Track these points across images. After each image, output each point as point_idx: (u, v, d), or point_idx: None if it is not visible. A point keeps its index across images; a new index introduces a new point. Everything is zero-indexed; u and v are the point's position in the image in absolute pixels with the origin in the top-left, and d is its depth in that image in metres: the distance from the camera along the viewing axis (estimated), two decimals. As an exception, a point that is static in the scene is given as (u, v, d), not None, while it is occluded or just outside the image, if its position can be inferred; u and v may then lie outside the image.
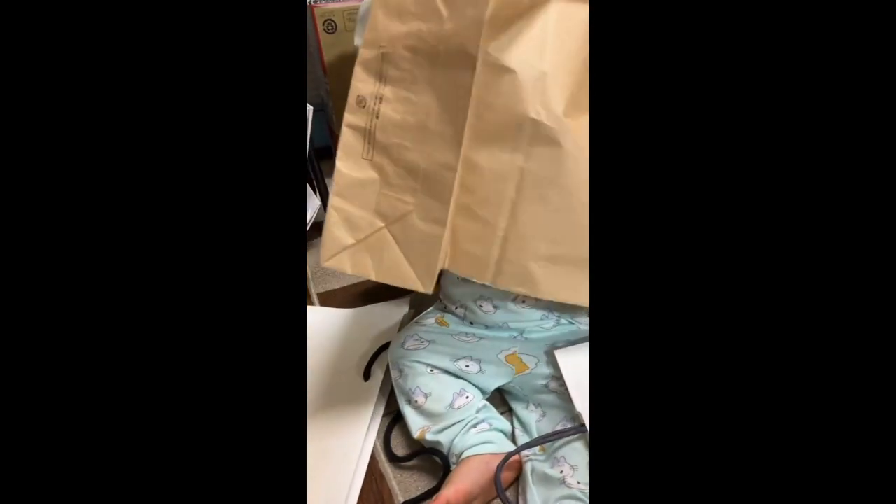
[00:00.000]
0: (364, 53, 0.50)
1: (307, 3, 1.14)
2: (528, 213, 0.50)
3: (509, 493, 0.58)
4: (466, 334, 0.66)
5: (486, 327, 0.65)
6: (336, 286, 0.94)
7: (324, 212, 1.01)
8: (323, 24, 1.12)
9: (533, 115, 0.48)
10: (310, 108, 0.92)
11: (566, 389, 0.60)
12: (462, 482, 0.55)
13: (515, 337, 0.64)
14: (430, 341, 0.66)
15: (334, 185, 0.51)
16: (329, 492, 0.58)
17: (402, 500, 0.59)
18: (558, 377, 0.62)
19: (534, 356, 0.64)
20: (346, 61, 1.16)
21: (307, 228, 1.01)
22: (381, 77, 0.50)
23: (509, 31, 0.48)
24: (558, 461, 0.56)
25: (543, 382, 0.64)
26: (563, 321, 0.64)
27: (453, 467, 0.58)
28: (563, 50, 0.50)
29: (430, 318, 0.69)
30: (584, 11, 0.51)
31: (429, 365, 0.65)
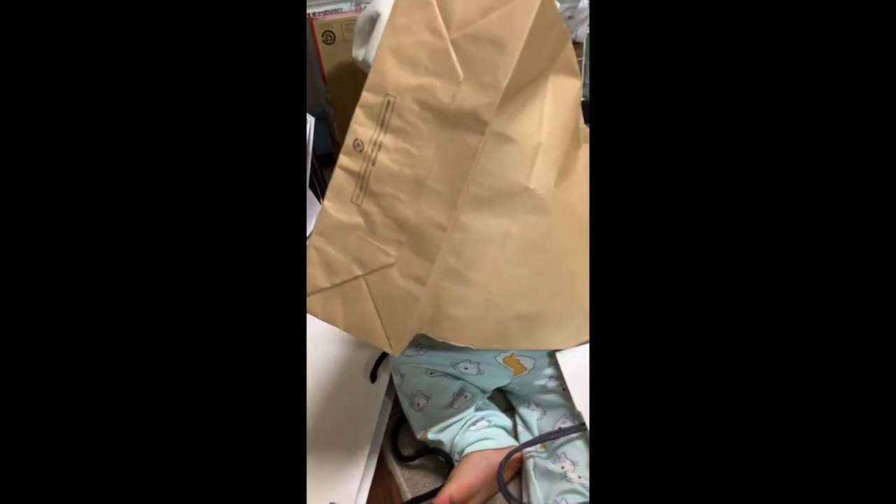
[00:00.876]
0: (367, 98, 0.49)
1: (309, 15, 1.17)
2: (513, 276, 0.52)
3: (510, 489, 0.60)
4: (466, 337, 0.68)
5: None
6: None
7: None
8: (322, 36, 1.14)
9: (529, 185, 0.51)
10: (311, 119, 0.94)
11: (565, 388, 0.62)
12: (464, 478, 0.57)
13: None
14: (428, 347, 0.69)
15: (318, 224, 0.50)
16: (340, 489, 0.61)
17: (409, 496, 0.62)
18: (557, 377, 0.64)
19: (531, 357, 0.66)
20: (345, 70, 1.19)
21: (310, 235, 1.04)
22: (382, 124, 0.49)
23: (514, 102, 0.49)
24: (559, 457, 0.59)
25: (542, 382, 0.66)
26: None
27: (456, 464, 0.61)
28: (557, 122, 0.53)
29: (431, 322, 0.72)
30: (575, 85, 0.54)
31: (428, 368, 0.67)
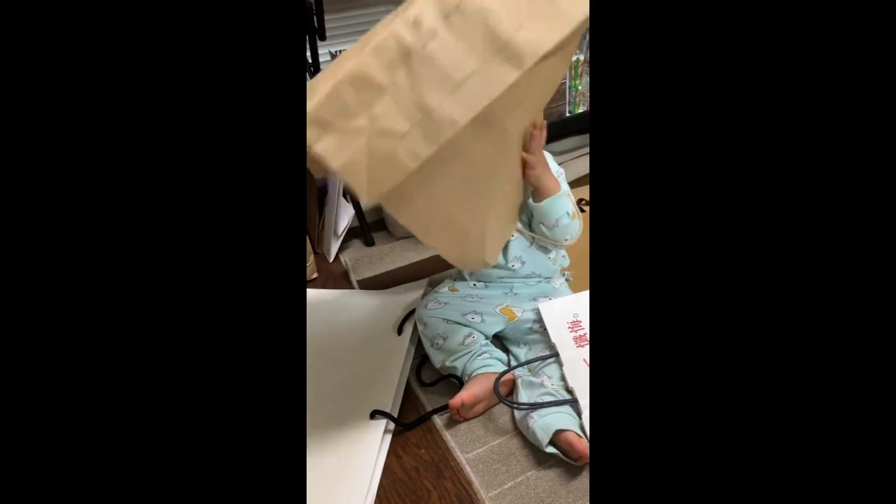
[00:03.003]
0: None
1: (337, 53, 1.42)
2: (458, 188, 0.61)
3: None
4: (471, 296, 0.91)
5: (486, 286, 0.91)
6: (370, 274, 1.20)
7: (356, 220, 1.27)
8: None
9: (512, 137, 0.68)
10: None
11: (545, 330, 0.85)
12: (472, 389, 0.80)
13: (507, 293, 0.90)
14: (445, 303, 0.92)
15: (352, 68, 0.52)
16: (380, 405, 0.83)
17: (429, 408, 0.85)
18: (539, 321, 0.87)
19: (521, 307, 0.89)
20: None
21: (343, 233, 1.27)
22: (447, 17, 0.51)
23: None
24: (539, 374, 0.82)
25: (528, 326, 0.89)
26: (541, 282, 0.90)
27: (465, 383, 0.83)
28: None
29: (444, 288, 0.95)
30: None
31: (445, 319, 0.90)
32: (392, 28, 0.52)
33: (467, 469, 0.74)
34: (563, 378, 0.79)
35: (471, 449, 0.77)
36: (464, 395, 0.79)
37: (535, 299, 0.90)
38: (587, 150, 1.57)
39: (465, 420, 0.81)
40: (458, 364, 0.86)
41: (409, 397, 0.87)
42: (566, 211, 0.81)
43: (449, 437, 0.79)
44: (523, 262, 0.88)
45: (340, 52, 1.44)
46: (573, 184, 0.95)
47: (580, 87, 1.54)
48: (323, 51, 1.41)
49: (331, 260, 1.26)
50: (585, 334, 0.84)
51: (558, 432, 0.72)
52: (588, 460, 0.72)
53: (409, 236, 1.28)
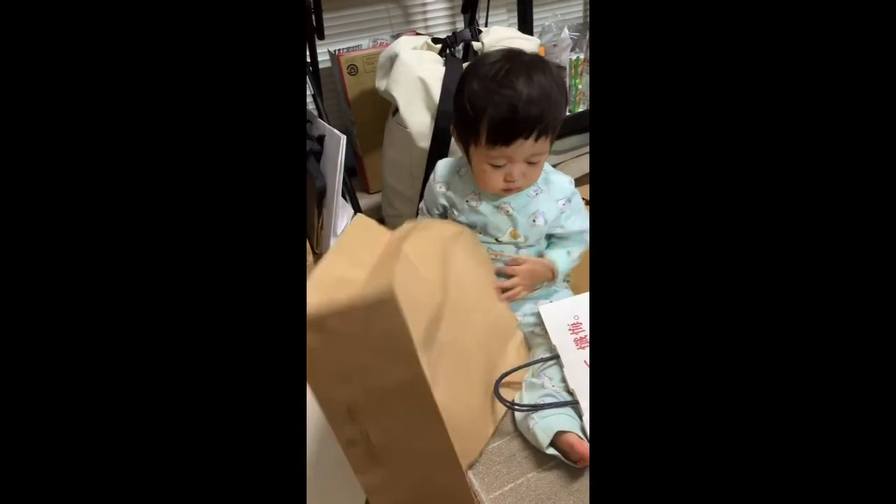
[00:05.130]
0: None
1: (335, 52, 1.41)
2: None
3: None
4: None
5: None
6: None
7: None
8: (347, 69, 1.39)
9: None
10: (343, 137, 1.17)
11: (545, 332, 0.85)
12: (473, 391, 0.80)
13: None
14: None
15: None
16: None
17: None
18: (539, 323, 0.87)
19: (521, 310, 0.90)
20: (366, 96, 1.43)
21: (342, 233, 1.26)
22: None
23: None
24: (541, 376, 0.81)
25: (529, 329, 0.89)
26: (542, 284, 0.90)
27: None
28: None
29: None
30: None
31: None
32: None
33: (468, 471, 0.74)
34: (563, 380, 0.78)
35: (471, 451, 0.77)
36: (465, 398, 0.78)
37: (535, 302, 0.89)
38: (586, 149, 1.56)
39: (467, 423, 0.81)
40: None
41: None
42: (572, 265, 0.88)
43: (449, 439, 0.79)
44: None
45: (338, 51, 1.43)
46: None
47: (580, 87, 1.53)
48: (322, 49, 1.41)
49: (330, 260, 1.25)
50: (586, 336, 0.83)
51: (559, 434, 0.71)
52: (588, 462, 0.72)
53: (408, 237, 1.28)
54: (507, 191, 0.83)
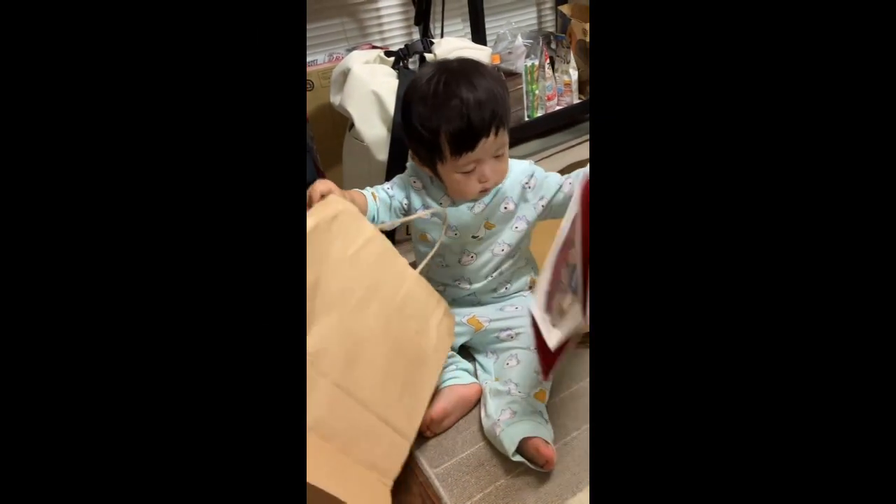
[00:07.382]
0: None
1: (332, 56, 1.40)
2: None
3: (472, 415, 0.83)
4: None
5: (454, 300, 0.91)
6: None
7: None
8: (303, 84, 1.38)
9: None
10: (310, 142, 1.14)
11: (512, 337, 0.86)
12: (440, 404, 0.80)
13: (473, 303, 0.90)
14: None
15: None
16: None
17: (400, 424, 0.84)
18: (504, 329, 0.87)
19: (487, 316, 0.90)
20: (323, 111, 1.42)
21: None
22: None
23: None
24: (506, 382, 0.82)
25: (495, 335, 0.89)
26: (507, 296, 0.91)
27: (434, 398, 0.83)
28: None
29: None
30: None
31: (411, 332, 0.90)
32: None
33: (436, 484, 0.74)
34: (528, 385, 0.79)
35: (439, 463, 0.77)
36: (432, 413, 0.78)
37: (501, 308, 0.90)
38: (546, 153, 1.58)
39: (436, 435, 0.81)
40: (425, 378, 0.85)
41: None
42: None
43: (417, 453, 0.79)
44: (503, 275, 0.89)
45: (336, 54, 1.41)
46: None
47: (537, 92, 1.55)
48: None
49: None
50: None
51: (525, 440, 0.72)
52: (553, 466, 0.72)
53: (405, 240, 1.27)
54: (484, 192, 0.83)
